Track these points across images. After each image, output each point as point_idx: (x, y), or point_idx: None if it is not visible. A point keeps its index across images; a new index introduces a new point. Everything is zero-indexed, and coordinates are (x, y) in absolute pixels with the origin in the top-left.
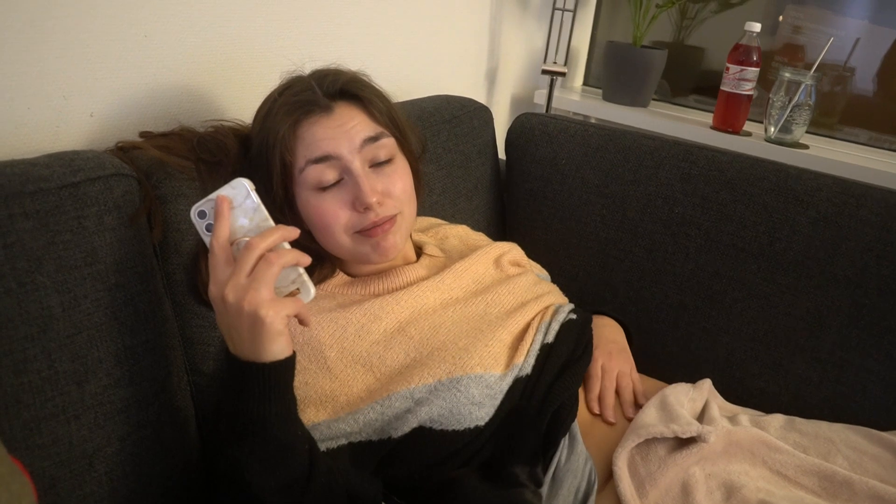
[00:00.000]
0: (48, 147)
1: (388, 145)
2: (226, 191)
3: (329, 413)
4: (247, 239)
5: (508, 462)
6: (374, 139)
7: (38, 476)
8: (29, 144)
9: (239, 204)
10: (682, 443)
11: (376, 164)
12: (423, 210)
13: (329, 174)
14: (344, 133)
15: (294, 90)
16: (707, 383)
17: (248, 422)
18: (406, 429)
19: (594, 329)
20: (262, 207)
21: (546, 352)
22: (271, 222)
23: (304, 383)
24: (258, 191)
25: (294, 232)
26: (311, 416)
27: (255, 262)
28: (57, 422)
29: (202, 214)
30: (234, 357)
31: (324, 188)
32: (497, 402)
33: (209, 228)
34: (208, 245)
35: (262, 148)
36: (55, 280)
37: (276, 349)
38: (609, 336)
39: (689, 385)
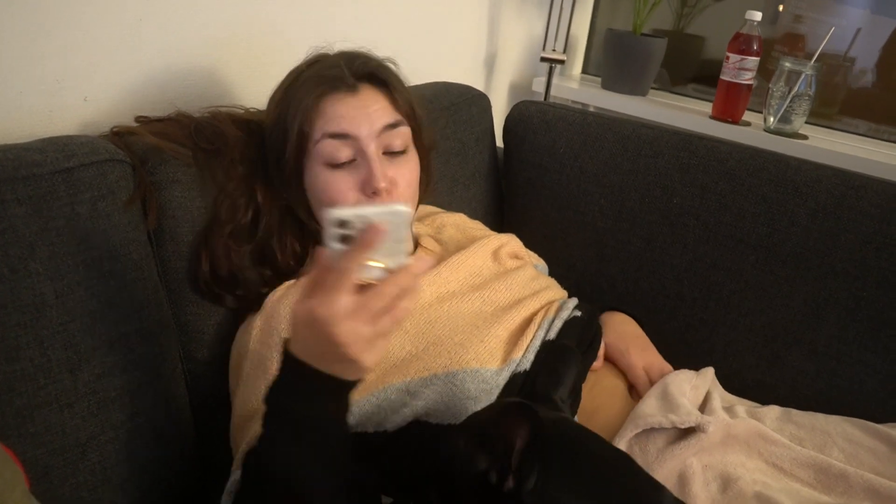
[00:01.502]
0: (41, 132)
1: (405, 135)
2: (385, 216)
3: None
4: (376, 265)
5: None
6: (392, 126)
7: (31, 464)
8: (22, 129)
9: (391, 234)
10: (682, 434)
11: (390, 153)
12: (421, 199)
13: (343, 152)
14: (366, 115)
15: (323, 65)
16: (710, 372)
17: (314, 425)
18: (402, 422)
19: (613, 327)
20: (410, 239)
21: (547, 348)
22: (404, 259)
23: None
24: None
25: (427, 263)
26: None
27: (381, 310)
28: (50, 410)
29: (343, 224)
30: (307, 365)
31: (335, 165)
32: (493, 397)
33: (344, 240)
34: (332, 257)
35: (282, 116)
36: (48, 267)
37: (360, 375)
38: (633, 332)
39: (692, 372)
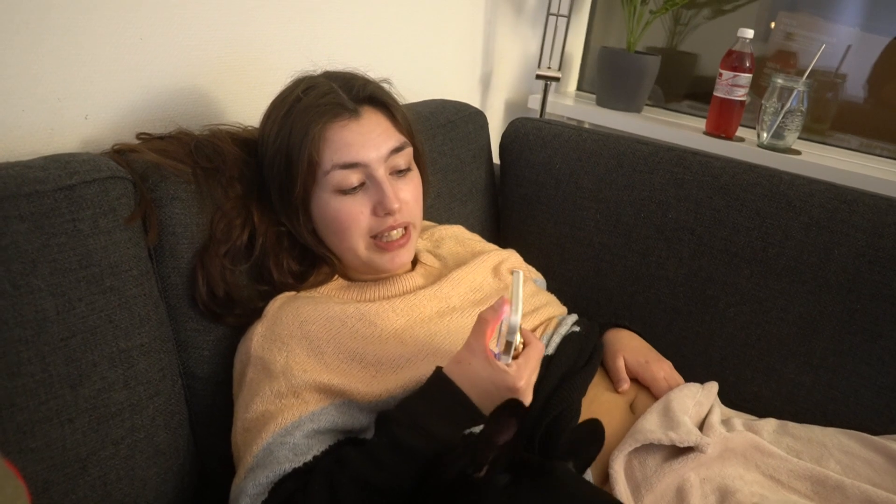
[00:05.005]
0: (43, 150)
1: (408, 154)
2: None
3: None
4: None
5: None
6: (399, 149)
7: (32, 479)
8: (23, 147)
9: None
10: (680, 450)
11: (395, 172)
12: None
13: (353, 179)
14: (372, 140)
15: (319, 91)
16: (714, 387)
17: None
18: None
19: (625, 343)
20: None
21: (545, 363)
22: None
23: (304, 370)
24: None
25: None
26: (316, 401)
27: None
28: (51, 425)
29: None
30: (477, 408)
31: (345, 191)
32: None
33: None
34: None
35: (284, 146)
36: (50, 283)
37: None
38: (645, 346)
39: (697, 386)
